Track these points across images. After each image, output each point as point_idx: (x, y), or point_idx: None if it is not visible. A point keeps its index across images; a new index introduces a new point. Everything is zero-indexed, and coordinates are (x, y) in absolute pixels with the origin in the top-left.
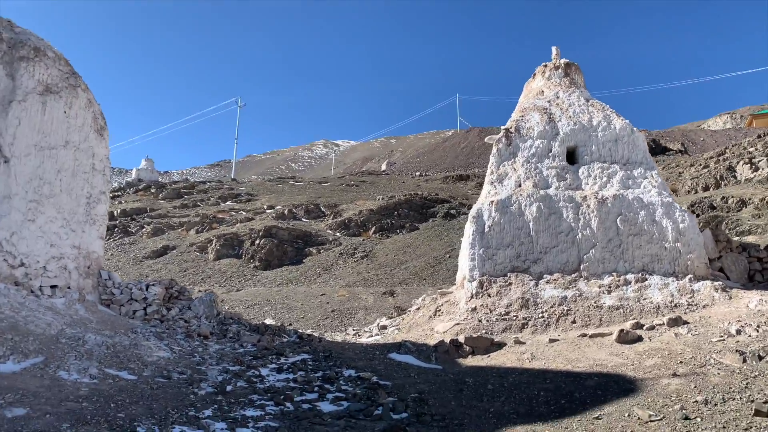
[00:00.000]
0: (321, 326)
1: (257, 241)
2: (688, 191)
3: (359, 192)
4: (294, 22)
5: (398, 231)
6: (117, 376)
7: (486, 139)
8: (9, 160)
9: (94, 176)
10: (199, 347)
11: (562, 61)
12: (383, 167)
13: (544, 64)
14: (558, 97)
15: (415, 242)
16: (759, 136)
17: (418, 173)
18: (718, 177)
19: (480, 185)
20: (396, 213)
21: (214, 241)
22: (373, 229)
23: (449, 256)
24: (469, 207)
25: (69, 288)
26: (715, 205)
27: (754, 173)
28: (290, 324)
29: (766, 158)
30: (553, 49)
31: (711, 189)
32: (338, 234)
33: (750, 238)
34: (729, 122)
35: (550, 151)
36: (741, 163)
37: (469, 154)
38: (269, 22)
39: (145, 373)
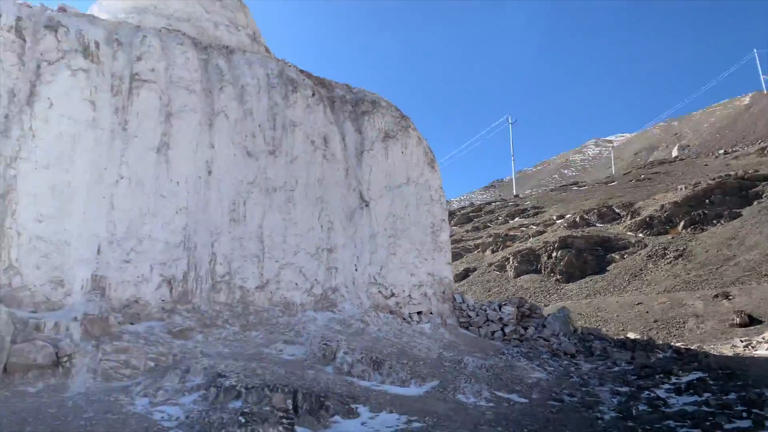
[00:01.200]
0: (647, 338)
1: (554, 254)
2: None
3: (653, 186)
4: (549, 22)
5: (714, 222)
6: (509, 399)
7: None
8: (369, 203)
9: (433, 206)
10: (570, 366)
11: None
12: (674, 153)
13: None
14: None
15: (741, 232)
16: None
17: (721, 151)
18: None
19: None
20: (707, 201)
21: (511, 259)
22: (682, 224)
23: None
24: None
25: (431, 313)
26: None
27: None
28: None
29: None
30: None
31: None
32: (641, 235)
33: None
34: None
35: None
36: None
37: None
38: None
39: (534, 396)
